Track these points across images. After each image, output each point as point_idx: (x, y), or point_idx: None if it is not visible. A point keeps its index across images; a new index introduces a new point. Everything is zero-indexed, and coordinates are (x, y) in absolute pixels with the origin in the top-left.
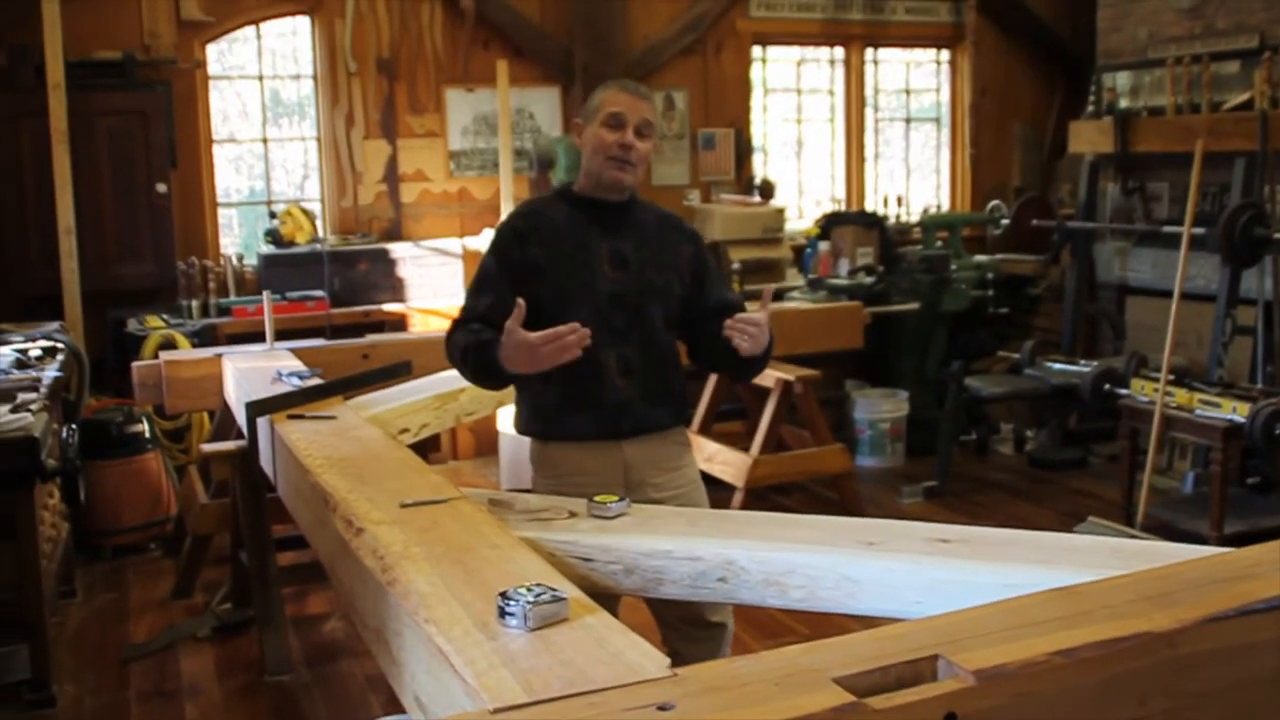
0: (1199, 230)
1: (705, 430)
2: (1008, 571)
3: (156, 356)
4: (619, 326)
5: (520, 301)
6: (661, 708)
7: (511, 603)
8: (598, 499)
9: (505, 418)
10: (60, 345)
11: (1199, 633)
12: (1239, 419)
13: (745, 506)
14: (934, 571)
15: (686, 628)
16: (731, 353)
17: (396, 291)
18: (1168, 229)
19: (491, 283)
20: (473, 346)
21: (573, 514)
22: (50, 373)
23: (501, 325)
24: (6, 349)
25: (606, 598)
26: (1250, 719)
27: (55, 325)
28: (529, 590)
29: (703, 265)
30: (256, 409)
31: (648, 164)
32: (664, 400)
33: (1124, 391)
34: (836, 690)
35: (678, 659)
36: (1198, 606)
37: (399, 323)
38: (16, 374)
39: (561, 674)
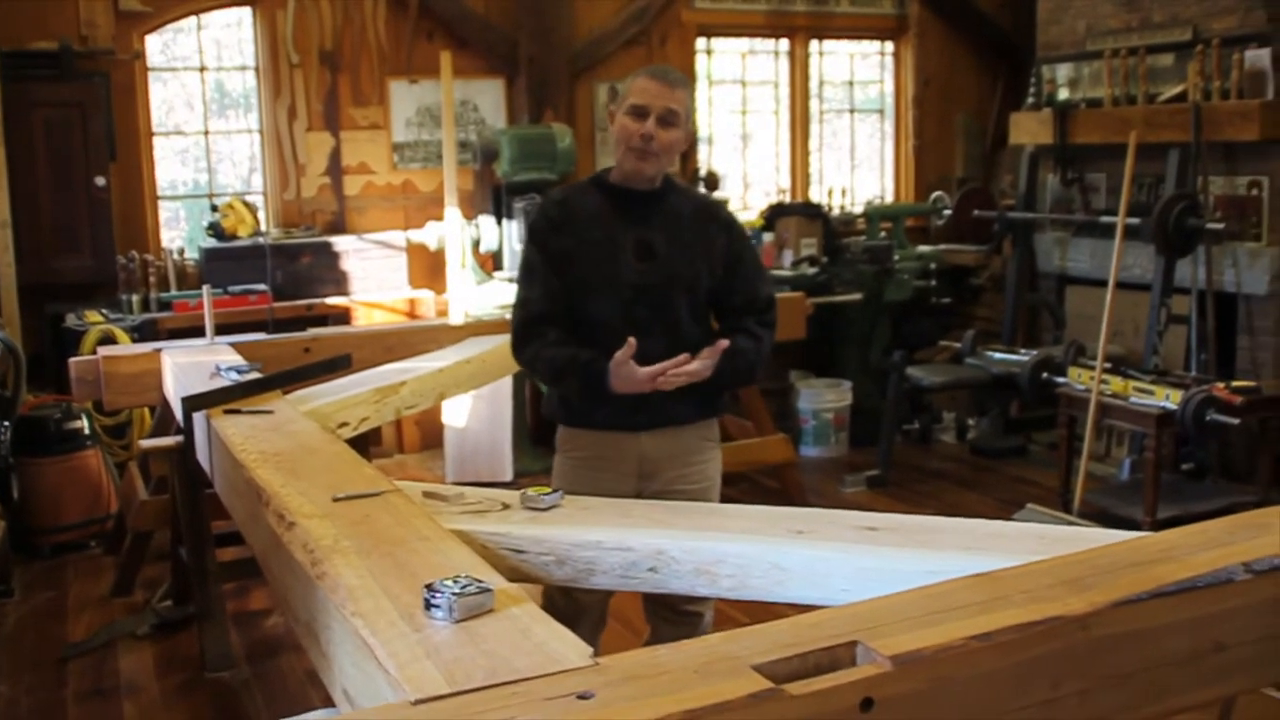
0: (1134, 221)
1: None
2: (933, 558)
3: (95, 352)
4: (642, 318)
5: (632, 340)
6: (581, 696)
7: (437, 595)
8: (531, 490)
9: (450, 411)
10: None
11: (1111, 616)
12: (1171, 406)
13: None
14: (861, 559)
15: (663, 610)
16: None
17: (340, 285)
18: (1105, 219)
19: (538, 273)
20: (571, 368)
21: (506, 506)
22: None
23: (559, 315)
24: None
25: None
26: (1160, 700)
27: None
28: (455, 582)
29: (736, 257)
30: (193, 404)
31: (675, 153)
32: (687, 394)
33: (1061, 380)
34: (755, 677)
35: (656, 637)
36: (1111, 590)
37: (343, 316)
38: None
39: (484, 664)
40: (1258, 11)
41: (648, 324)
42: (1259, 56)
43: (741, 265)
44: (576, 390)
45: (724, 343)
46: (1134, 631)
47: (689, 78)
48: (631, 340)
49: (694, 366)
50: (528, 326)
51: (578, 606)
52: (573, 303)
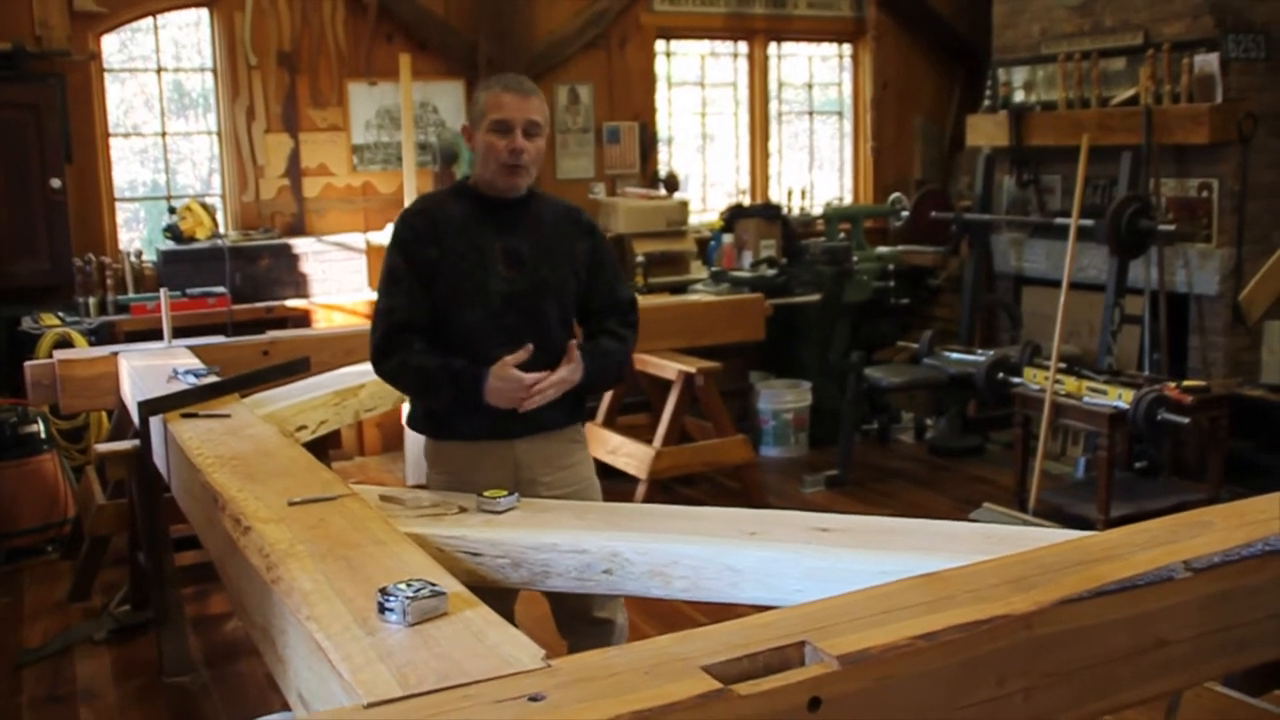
0: (1087, 222)
1: (609, 423)
2: (884, 559)
3: (51, 355)
4: (512, 326)
5: (529, 346)
6: (533, 698)
7: (391, 598)
8: (487, 493)
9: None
10: None
11: (1054, 614)
12: (1123, 405)
13: (649, 499)
14: (813, 560)
15: (575, 623)
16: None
17: (299, 287)
18: (1059, 221)
19: (404, 282)
20: (443, 377)
21: (462, 509)
22: None
23: (423, 325)
24: None
25: (502, 593)
26: (1103, 696)
27: None
28: (409, 586)
29: (598, 261)
30: (149, 408)
31: (541, 161)
32: (557, 400)
33: (1017, 380)
34: (704, 678)
35: (572, 653)
36: (1054, 589)
37: (302, 318)
38: None
39: (437, 667)
40: (1206, 17)
41: (518, 332)
42: (1208, 61)
43: (603, 269)
44: (446, 401)
45: (572, 342)
46: (1077, 629)
47: (653, 78)
48: (529, 346)
49: (561, 374)
50: (391, 337)
51: None
52: (440, 313)
